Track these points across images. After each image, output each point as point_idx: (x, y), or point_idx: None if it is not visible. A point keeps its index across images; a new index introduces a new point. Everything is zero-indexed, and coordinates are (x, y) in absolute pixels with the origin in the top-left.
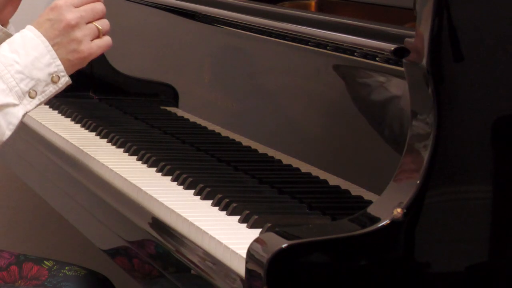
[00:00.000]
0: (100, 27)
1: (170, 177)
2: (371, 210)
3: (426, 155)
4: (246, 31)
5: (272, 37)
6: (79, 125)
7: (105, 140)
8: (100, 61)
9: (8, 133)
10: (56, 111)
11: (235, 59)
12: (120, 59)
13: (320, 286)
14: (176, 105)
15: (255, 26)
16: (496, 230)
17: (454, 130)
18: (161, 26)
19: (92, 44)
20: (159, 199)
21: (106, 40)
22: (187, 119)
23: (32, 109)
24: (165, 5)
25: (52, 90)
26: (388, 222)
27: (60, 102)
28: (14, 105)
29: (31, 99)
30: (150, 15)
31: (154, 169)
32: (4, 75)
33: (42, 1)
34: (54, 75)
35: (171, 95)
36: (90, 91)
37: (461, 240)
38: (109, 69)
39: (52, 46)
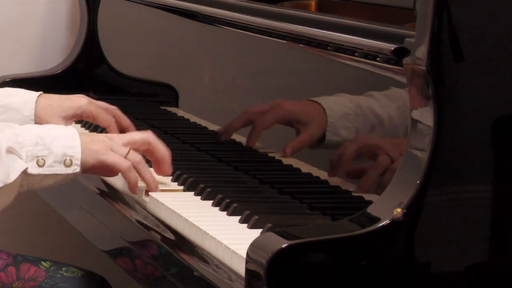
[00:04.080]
0: (128, 154)
1: (170, 178)
2: (371, 210)
3: (426, 155)
4: (246, 31)
5: (272, 37)
6: (79, 125)
7: None
8: (100, 61)
9: (12, 177)
10: None
11: (235, 59)
12: (120, 59)
13: (320, 286)
14: (176, 105)
15: (255, 26)
16: (496, 230)
17: (454, 130)
18: (161, 26)
19: (111, 154)
20: (160, 200)
21: (125, 162)
22: (187, 119)
23: (32, 175)
24: (165, 5)
25: (59, 170)
26: (388, 222)
27: None
28: (20, 157)
29: (37, 166)
30: (150, 15)
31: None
32: (24, 132)
33: (42, 1)
34: (68, 158)
35: (171, 95)
36: (90, 91)
37: (461, 240)
38: (109, 69)
39: (80, 138)
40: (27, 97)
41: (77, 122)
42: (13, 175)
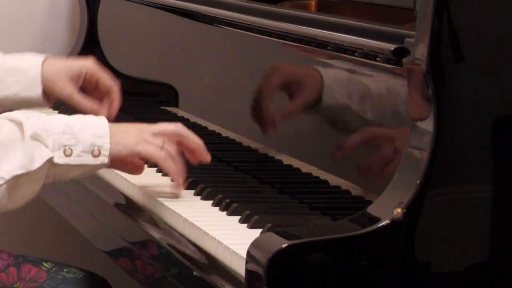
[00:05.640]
0: (163, 143)
1: (170, 178)
2: (371, 210)
3: (426, 155)
4: (246, 31)
5: (272, 37)
6: None
7: None
8: (100, 61)
9: (37, 164)
10: (57, 111)
11: (235, 59)
12: (120, 59)
13: (320, 286)
14: (176, 105)
15: (255, 26)
16: (496, 230)
17: (454, 130)
18: (161, 26)
19: (146, 144)
20: (160, 200)
21: (161, 152)
22: (187, 119)
23: (59, 165)
24: (165, 5)
25: (87, 160)
26: (388, 222)
27: (60, 102)
28: (46, 146)
29: (63, 156)
30: (150, 15)
31: (154, 169)
32: (51, 121)
33: (42, 1)
34: (96, 148)
35: (171, 95)
36: None
37: (461, 240)
38: (109, 69)
39: (111, 128)
40: (34, 59)
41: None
42: (37, 163)
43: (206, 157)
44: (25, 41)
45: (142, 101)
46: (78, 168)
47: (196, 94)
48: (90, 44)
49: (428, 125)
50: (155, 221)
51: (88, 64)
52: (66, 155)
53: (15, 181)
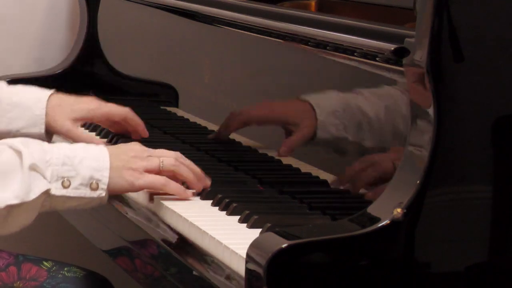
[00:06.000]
0: (162, 164)
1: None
2: (371, 210)
3: (426, 155)
4: (246, 31)
5: (272, 37)
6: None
7: (105, 140)
8: (100, 61)
9: (32, 196)
10: None
11: (235, 59)
12: (120, 59)
13: (320, 286)
14: (176, 105)
15: (255, 26)
16: (496, 230)
17: (454, 130)
18: (161, 26)
19: (145, 176)
20: (159, 200)
21: (161, 179)
22: (187, 119)
23: (55, 196)
24: (165, 5)
25: (84, 193)
26: (388, 222)
27: None
28: (44, 177)
29: (61, 187)
30: (150, 15)
31: None
32: (53, 150)
33: (42, 1)
34: (94, 181)
35: (171, 95)
36: (90, 91)
37: (461, 240)
38: (109, 69)
39: (112, 161)
40: (39, 96)
41: None
42: (33, 194)
43: (197, 186)
44: (25, 41)
45: (142, 101)
46: (75, 200)
47: (196, 94)
48: (90, 44)
49: (428, 124)
50: (155, 221)
51: (93, 107)
52: (64, 187)
53: (9, 210)
